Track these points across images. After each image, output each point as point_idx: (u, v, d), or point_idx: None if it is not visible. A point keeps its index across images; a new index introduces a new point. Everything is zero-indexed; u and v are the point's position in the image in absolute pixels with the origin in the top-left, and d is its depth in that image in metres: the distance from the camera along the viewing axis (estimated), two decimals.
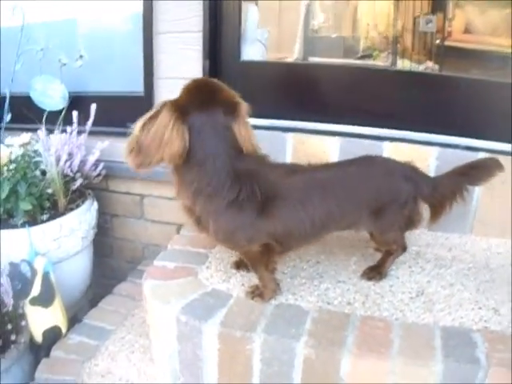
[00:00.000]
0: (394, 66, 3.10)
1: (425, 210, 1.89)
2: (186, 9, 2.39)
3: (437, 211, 1.88)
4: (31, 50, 2.54)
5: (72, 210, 2.41)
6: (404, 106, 2.32)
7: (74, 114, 2.47)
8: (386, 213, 1.78)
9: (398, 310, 1.74)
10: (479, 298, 1.80)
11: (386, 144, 2.23)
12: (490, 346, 1.55)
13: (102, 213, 2.73)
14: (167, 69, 2.52)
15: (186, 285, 1.88)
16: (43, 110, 2.54)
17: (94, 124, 2.48)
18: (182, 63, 2.48)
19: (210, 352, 1.70)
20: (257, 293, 1.79)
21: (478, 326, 1.65)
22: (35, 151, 2.37)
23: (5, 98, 2.63)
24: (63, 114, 2.52)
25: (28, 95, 2.63)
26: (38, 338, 2.13)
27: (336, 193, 1.74)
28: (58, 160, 2.35)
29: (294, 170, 1.76)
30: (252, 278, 1.88)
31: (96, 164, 2.52)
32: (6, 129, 2.62)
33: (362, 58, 3.36)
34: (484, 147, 2.14)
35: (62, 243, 2.33)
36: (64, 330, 2.17)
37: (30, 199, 2.25)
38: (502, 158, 1.89)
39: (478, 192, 2.16)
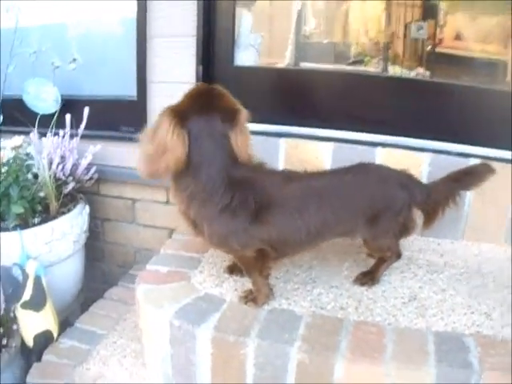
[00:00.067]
0: (385, 72, 3.11)
1: (418, 216, 1.90)
2: (179, 13, 2.39)
3: (430, 217, 1.90)
4: (24, 52, 2.53)
5: (64, 213, 2.40)
6: (396, 111, 2.34)
7: (67, 117, 2.46)
8: (380, 220, 1.79)
9: (391, 315, 1.75)
10: (471, 302, 1.81)
11: (379, 150, 2.24)
12: (482, 350, 1.56)
13: (93, 217, 2.72)
14: (160, 73, 2.51)
15: (179, 289, 1.88)
16: (35, 113, 2.53)
17: (87, 127, 2.47)
18: (175, 68, 2.47)
19: (203, 357, 1.70)
20: (250, 298, 1.79)
21: (470, 331, 1.66)
22: (27, 154, 2.36)
23: None
24: (56, 117, 2.51)
25: (20, 98, 2.62)
26: (29, 342, 2.11)
27: (332, 201, 1.74)
28: (50, 163, 2.34)
29: (289, 177, 1.76)
30: (245, 283, 1.88)
31: (88, 168, 2.52)
32: None
33: (353, 63, 3.36)
34: (476, 153, 2.16)
35: (54, 247, 2.31)
36: (55, 335, 2.16)
37: (22, 202, 2.24)
38: (493, 164, 1.90)
39: (469, 198, 2.17)
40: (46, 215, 2.36)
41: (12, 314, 2.09)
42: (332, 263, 2.06)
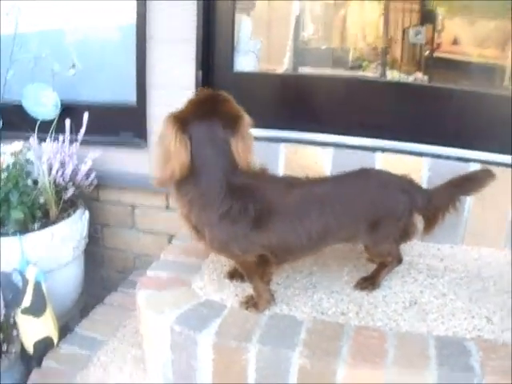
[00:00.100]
0: (383, 77, 3.12)
1: (418, 221, 1.90)
2: (179, 19, 2.39)
3: (431, 222, 1.90)
4: (23, 58, 2.53)
5: (63, 219, 2.39)
6: (395, 116, 2.34)
7: (67, 122, 2.46)
8: (381, 225, 1.80)
9: (392, 319, 1.75)
10: (472, 307, 1.81)
11: (379, 155, 2.25)
12: (484, 354, 1.56)
13: (93, 222, 2.71)
14: (160, 79, 2.51)
15: (179, 295, 1.88)
16: (35, 118, 2.53)
17: (87, 133, 2.47)
18: (175, 73, 2.47)
19: (205, 362, 1.70)
20: (251, 303, 1.79)
21: (471, 335, 1.66)
22: (27, 160, 2.36)
23: None
24: (55, 122, 2.51)
25: (19, 103, 2.62)
26: (30, 348, 2.10)
27: (333, 206, 1.74)
28: (50, 169, 2.34)
29: (290, 183, 1.77)
30: (246, 289, 1.88)
31: (88, 173, 2.51)
32: None
33: (352, 68, 3.37)
34: (475, 158, 2.17)
35: (54, 252, 2.31)
36: (55, 341, 2.15)
37: (22, 208, 2.23)
38: (493, 169, 1.92)
39: (469, 203, 2.17)
40: (46, 221, 2.35)
41: (12, 320, 2.08)
42: (332, 268, 2.06)
